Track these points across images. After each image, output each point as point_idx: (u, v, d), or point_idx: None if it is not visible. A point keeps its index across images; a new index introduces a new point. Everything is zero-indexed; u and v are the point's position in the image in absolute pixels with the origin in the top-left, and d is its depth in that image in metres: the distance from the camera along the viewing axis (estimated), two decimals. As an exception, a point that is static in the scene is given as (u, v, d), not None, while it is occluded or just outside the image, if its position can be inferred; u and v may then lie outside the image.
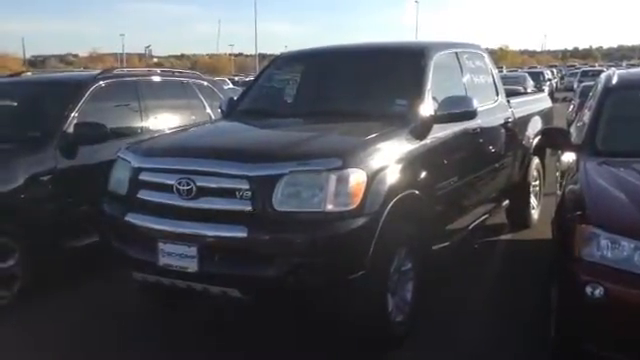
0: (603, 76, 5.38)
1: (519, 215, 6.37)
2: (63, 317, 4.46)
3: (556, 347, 3.50)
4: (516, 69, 44.82)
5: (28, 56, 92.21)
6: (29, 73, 7.68)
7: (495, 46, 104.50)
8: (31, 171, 4.79)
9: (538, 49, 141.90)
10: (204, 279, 3.55)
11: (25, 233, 4.65)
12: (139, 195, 3.81)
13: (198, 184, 3.53)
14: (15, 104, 5.99)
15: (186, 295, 3.88)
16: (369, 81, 4.90)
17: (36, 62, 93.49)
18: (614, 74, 5.06)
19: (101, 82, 5.67)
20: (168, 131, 5.30)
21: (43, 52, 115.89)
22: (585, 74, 31.17)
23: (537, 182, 6.70)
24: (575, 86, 22.34)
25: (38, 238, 4.73)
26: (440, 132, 4.37)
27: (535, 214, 6.62)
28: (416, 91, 4.46)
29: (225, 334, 4.17)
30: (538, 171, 6.67)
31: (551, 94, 21.65)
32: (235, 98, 5.45)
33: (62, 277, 4.94)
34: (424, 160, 4.10)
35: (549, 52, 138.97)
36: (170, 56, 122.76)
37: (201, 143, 4.21)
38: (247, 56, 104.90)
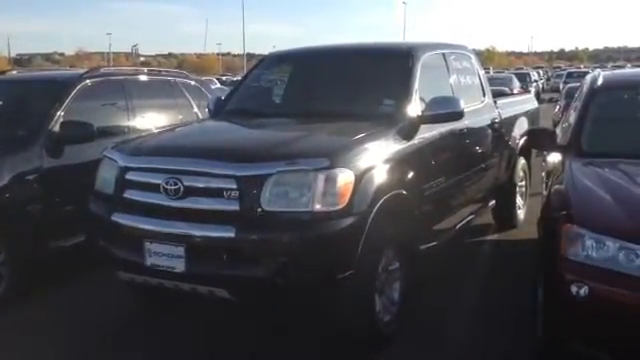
0: (588, 77, 5.43)
1: (505, 215, 6.41)
2: (52, 317, 4.44)
3: (542, 346, 3.53)
4: (503, 70, 45.10)
5: (13, 54, 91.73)
6: (14, 72, 7.63)
7: (482, 47, 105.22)
8: (16, 170, 4.75)
9: (525, 50, 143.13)
10: (192, 279, 3.53)
11: (10, 233, 4.61)
12: (126, 195, 3.79)
13: (185, 184, 3.52)
14: (0, 103, 5.93)
15: (174, 295, 3.86)
16: (357, 81, 4.90)
17: (22, 60, 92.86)
18: (599, 75, 5.10)
19: (87, 81, 5.63)
20: (155, 130, 5.27)
21: (29, 51, 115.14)
22: (570, 75, 31.50)
23: (523, 182, 6.74)
24: (561, 87, 22.50)
25: (24, 238, 4.69)
26: (427, 132, 4.39)
27: (521, 214, 6.67)
28: (403, 91, 4.48)
29: (217, 333, 4.16)
30: (524, 171, 6.72)
31: (537, 95, 21.80)
32: (223, 98, 5.43)
33: (48, 277, 4.90)
34: (411, 160, 4.12)
35: (536, 53, 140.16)
36: (158, 55, 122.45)
37: (188, 143, 4.20)
38: (235, 56, 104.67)
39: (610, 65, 58.80)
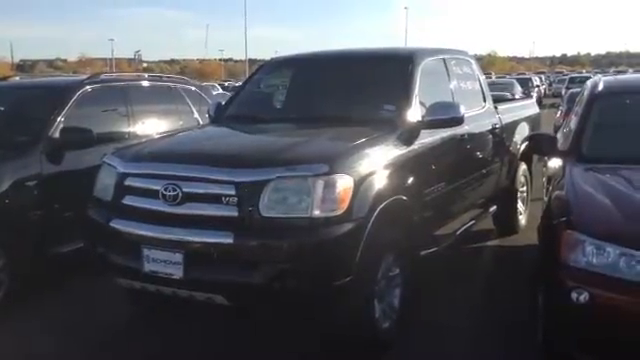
0: (589, 82, 5.42)
1: (506, 221, 6.38)
2: (51, 321, 4.42)
3: (543, 352, 3.51)
4: (504, 75, 45.07)
5: (16, 60, 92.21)
6: (17, 77, 7.65)
7: (484, 52, 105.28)
8: (16, 176, 4.75)
9: (526, 55, 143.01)
10: (190, 286, 3.52)
11: (10, 239, 4.60)
12: (124, 201, 3.78)
13: (184, 190, 3.51)
14: (1, 108, 5.94)
15: (172, 300, 3.85)
16: (357, 87, 4.90)
17: (24, 66, 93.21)
18: (600, 80, 5.09)
19: (88, 87, 5.64)
20: (155, 136, 5.28)
21: (32, 56, 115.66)
22: (573, 80, 31.46)
23: (524, 188, 6.72)
24: (563, 92, 22.47)
25: (23, 244, 4.68)
26: (427, 138, 4.38)
27: (522, 220, 6.64)
28: (404, 97, 4.47)
29: (216, 335, 4.15)
30: (525, 177, 6.69)
31: (539, 100, 21.75)
32: (223, 103, 5.44)
33: (48, 282, 4.89)
34: (411, 166, 4.11)
35: (537, 58, 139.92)
36: (160, 61, 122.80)
37: (188, 148, 4.19)
38: (236, 61, 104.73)
39: (612, 70, 58.90)
